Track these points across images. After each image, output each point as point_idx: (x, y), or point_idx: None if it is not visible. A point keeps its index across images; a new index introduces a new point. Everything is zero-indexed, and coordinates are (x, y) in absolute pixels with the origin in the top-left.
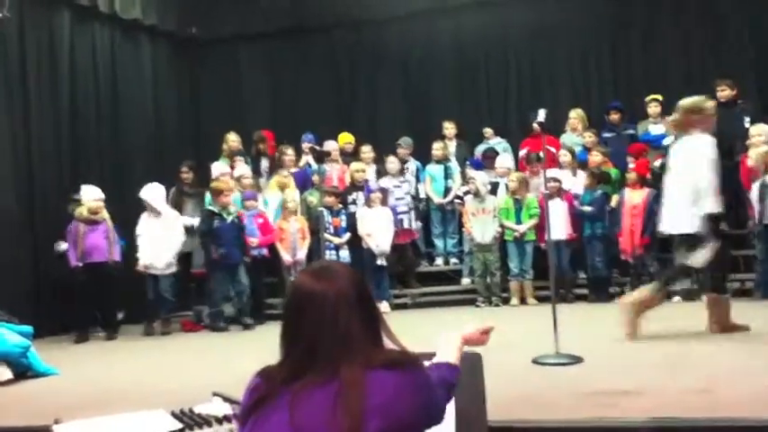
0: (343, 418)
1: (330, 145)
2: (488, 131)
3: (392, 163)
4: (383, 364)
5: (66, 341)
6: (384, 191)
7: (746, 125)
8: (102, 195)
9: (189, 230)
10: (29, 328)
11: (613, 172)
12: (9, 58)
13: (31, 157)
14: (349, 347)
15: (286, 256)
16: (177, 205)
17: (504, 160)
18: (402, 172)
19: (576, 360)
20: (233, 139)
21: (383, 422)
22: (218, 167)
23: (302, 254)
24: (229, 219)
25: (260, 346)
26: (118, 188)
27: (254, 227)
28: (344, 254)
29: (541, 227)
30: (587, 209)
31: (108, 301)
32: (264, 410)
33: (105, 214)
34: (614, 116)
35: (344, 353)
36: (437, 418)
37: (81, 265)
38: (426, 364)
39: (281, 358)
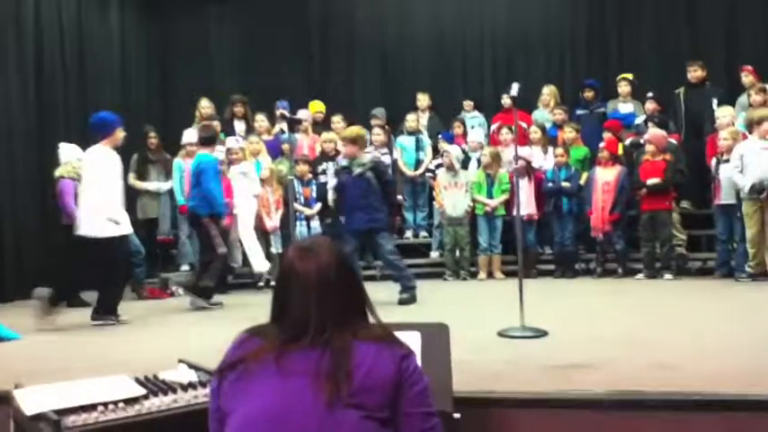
0: (329, 372)
1: (302, 114)
2: (468, 104)
3: (378, 135)
4: (367, 337)
5: (28, 306)
6: None
7: (714, 107)
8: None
9: (154, 196)
10: None
11: (584, 150)
12: None
13: None
14: (337, 320)
15: (270, 223)
16: (140, 171)
17: (476, 135)
18: (388, 143)
19: (542, 333)
20: (205, 105)
21: (363, 382)
22: (190, 134)
23: (273, 223)
24: (356, 171)
25: (226, 315)
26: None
27: None
28: (315, 224)
29: (511, 202)
30: (566, 185)
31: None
32: (250, 366)
33: None
34: (588, 94)
35: (334, 325)
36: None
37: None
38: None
39: (272, 321)
